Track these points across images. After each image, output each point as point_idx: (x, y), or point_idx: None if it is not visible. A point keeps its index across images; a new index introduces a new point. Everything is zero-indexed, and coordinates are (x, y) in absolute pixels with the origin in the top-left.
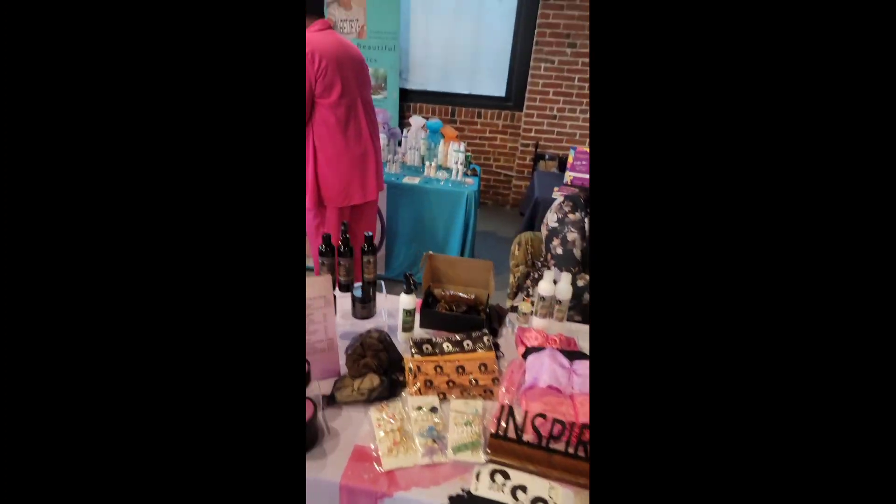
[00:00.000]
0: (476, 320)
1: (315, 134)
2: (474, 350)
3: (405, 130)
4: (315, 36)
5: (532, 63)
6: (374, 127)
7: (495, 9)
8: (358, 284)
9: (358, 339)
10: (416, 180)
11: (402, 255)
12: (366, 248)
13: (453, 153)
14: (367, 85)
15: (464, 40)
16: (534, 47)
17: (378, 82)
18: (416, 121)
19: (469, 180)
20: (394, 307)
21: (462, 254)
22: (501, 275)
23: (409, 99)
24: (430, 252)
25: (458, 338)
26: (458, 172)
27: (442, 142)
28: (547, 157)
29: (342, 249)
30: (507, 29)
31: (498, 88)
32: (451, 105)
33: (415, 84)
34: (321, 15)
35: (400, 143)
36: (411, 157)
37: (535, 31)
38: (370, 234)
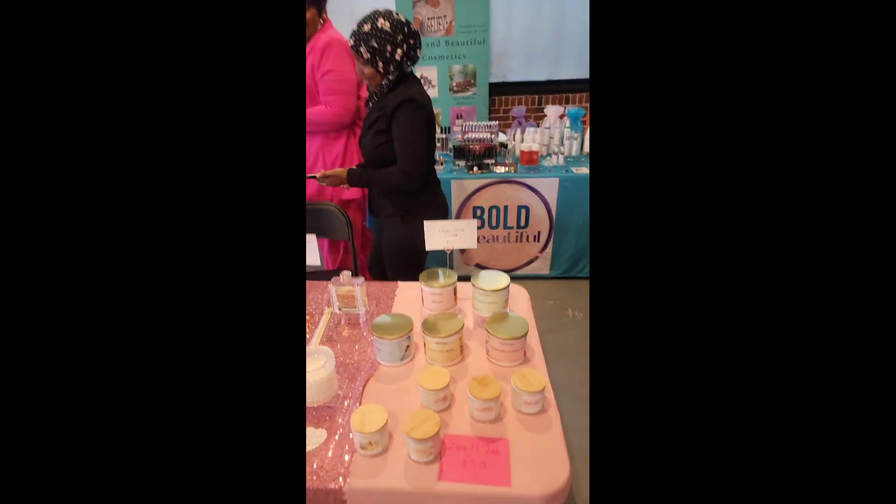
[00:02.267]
0: None
1: None
2: None
3: (544, 122)
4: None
5: None
6: None
7: None
8: None
9: None
10: (584, 170)
11: (568, 251)
12: None
13: None
14: None
15: (547, 25)
16: None
17: (467, 78)
18: (553, 110)
19: None
20: None
21: None
22: None
23: (492, 93)
24: None
25: None
26: None
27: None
28: None
29: None
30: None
31: (583, 71)
32: (536, 94)
33: (496, 77)
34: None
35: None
36: (569, 148)
37: None
38: None
